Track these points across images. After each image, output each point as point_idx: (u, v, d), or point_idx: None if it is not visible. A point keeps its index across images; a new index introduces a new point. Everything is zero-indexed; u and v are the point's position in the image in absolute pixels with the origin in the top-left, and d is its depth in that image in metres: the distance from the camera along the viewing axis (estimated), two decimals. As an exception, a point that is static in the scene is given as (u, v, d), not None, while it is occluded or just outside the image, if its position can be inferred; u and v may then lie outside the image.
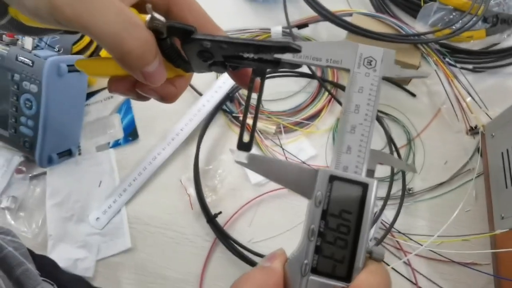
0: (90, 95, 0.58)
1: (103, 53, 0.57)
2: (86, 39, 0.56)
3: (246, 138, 0.24)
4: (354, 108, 0.23)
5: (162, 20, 0.22)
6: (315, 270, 0.21)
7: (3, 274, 0.34)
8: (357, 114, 0.23)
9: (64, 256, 0.49)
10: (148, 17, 0.21)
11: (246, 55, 0.23)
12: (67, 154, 0.54)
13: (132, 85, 0.25)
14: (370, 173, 0.22)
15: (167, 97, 0.26)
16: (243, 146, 0.23)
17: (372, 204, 0.21)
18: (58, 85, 0.49)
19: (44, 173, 0.54)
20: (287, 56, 0.23)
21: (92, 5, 0.20)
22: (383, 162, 0.24)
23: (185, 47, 0.23)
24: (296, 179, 0.22)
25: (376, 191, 0.21)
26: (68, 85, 0.50)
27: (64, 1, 0.19)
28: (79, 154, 0.56)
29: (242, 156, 0.23)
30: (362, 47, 0.24)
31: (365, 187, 0.21)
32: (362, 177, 0.22)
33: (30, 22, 0.25)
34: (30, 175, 0.54)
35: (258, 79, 0.24)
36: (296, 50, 0.22)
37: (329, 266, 0.20)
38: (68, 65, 0.49)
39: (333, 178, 0.22)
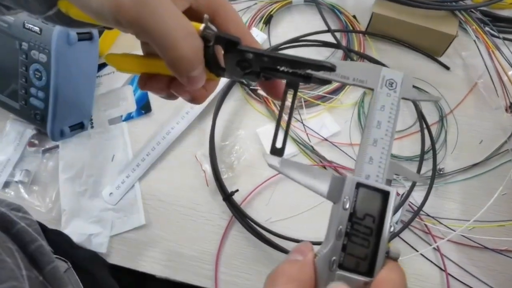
0: (101, 66, 0.56)
1: (104, 46, 0.53)
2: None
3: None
4: (376, 124, 0.25)
5: (214, 30, 0.23)
6: (341, 266, 0.23)
7: (18, 248, 0.33)
8: (379, 129, 0.25)
9: (78, 231, 0.48)
10: (202, 26, 0.23)
11: (281, 68, 0.24)
12: (79, 127, 0.52)
13: (167, 84, 0.26)
14: (388, 182, 0.25)
15: (197, 99, 0.27)
16: (276, 152, 0.25)
17: (392, 209, 0.23)
18: (68, 55, 0.46)
19: (57, 146, 0.53)
20: (319, 73, 0.25)
21: (155, 9, 0.21)
22: (399, 173, 0.27)
23: (227, 56, 0.24)
24: (324, 185, 0.24)
25: (395, 198, 0.24)
26: (79, 54, 0.48)
27: (129, 4, 0.20)
28: (92, 127, 0.54)
29: (275, 160, 0.25)
30: (385, 70, 0.27)
31: (386, 194, 0.23)
32: (384, 185, 0.24)
33: (79, 17, 0.25)
34: (42, 148, 0.53)
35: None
36: (331, 69, 0.24)
37: (353, 262, 0.23)
38: (78, 33, 0.46)
39: (359, 185, 0.24)
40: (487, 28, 0.52)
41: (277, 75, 0.25)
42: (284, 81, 0.26)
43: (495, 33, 0.52)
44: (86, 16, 0.22)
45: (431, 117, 0.51)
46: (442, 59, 0.54)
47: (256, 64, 0.24)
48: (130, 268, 0.46)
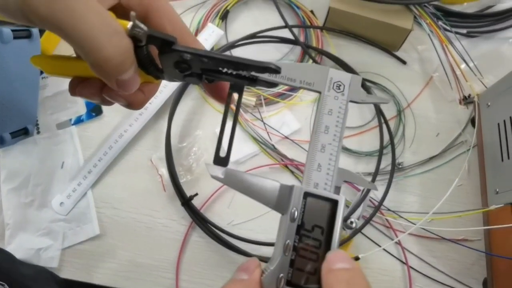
0: (46, 66, 0.52)
1: (46, 46, 0.50)
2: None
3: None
4: (324, 128, 0.25)
5: (144, 28, 0.21)
6: (289, 283, 0.21)
7: None
8: (327, 134, 0.25)
9: (24, 246, 0.44)
10: (130, 24, 0.21)
11: (224, 70, 0.23)
12: (23, 133, 0.48)
13: (99, 89, 0.24)
14: (337, 189, 0.24)
15: (134, 104, 0.25)
16: (220, 161, 0.24)
17: (341, 219, 0.23)
18: (2, 54, 0.42)
19: (-2, 155, 0.48)
20: (264, 75, 0.24)
21: (71, 5, 0.18)
22: (348, 180, 0.26)
23: (162, 57, 0.22)
24: (271, 195, 0.23)
25: (344, 207, 0.23)
26: (16, 53, 0.44)
27: None
28: (38, 132, 0.50)
29: (219, 171, 0.23)
30: (332, 72, 0.26)
31: (335, 203, 0.23)
32: (333, 194, 0.23)
33: None
34: (-18, 157, 0.49)
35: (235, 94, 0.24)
36: (275, 71, 0.22)
37: (302, 278, 0.22)
38: (13, 30, 0.42)
39: (307, 195, 0.23)
40: (440, 23, 0.53)
41: (220, 77, 0.23)
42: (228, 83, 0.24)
43: (448, 28, 0.53)
44: None
45: (389, 111, 0.51)
46: (398, 53, 0.55)
47: (196, 65, 0.23)
48: (85, 282, 0.44)
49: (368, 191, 0.45)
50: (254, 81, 0.24)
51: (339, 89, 0.26)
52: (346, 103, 0.26)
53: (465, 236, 0.45)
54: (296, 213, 0.22)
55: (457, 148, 0.50)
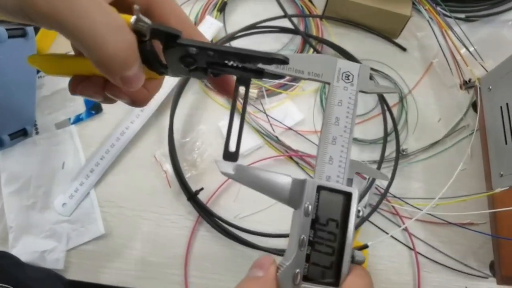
0: (42, 64, 0.51)
1: (42, 45, 0.48)
2: None
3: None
4: (335, 120, 0.24)
5: (148, 22, 0.20)
6: (305, 278, 0.21)
7: None
8: (337, 126, 0.24)
9: (29, 249, 0.43)
10: (133, 18, 0.20)
11: (230, 63, 0.22)
12: (22, 134, 0.47)
13: (101, 87, 0.23)
14: (349, 181, 0.23)
15: (138, 101, 0.24)
16: (229, 156, 0.23)
17: (355, 211, 0.22)
18: (-3, 54, 0.41)
19: (-4, 157, 0.47)
20: (271, 67, 0.23)
21: (72, 1, 0.17)
22: (360, 171, 0.25)
23: (167, 51, 0.22)
24: (284, 190, 0.22)
25: (358, 199, 0.23)
26: (11, 53, 0.43)
27: None
28: (37, 133, 0.49)
29: (229, 167, 0.23)
30: (341, 62, 0.25)
31: (349, 195, 0.22)
32: (346, 186, 0.23)
33: None
34: (-20, 160, 0.47)
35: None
36: (284, 62, 0.22)
37: (318, 273, 0.21)
38: (7, 29, 0.41)
39: (320, 188, 0.22)
40: (439, 8, 0.52)
41: (226, 70, 0.23)
42: (235, 77, 0.24)
43: (447, 13, 0.53)
44: None
45: (392, 99, 0.51)
46: (398, 40, 0.55)
47: (201, 59, 0.22)
48: (92, 283, 0.43)
49: (374, 179, 0.45)
50: (260, 74, 0.23)
51: (348, 79, 0.25)
52: (356, 93, 0.25)
53: (471, 220, 0.45)
54: (310, 207, 0.22)
55: (459, 133, 0.50)
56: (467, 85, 0.51)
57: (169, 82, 0.49)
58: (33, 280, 0.38)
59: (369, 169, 0.27)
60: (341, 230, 0.22)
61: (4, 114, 0.44)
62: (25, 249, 0.43)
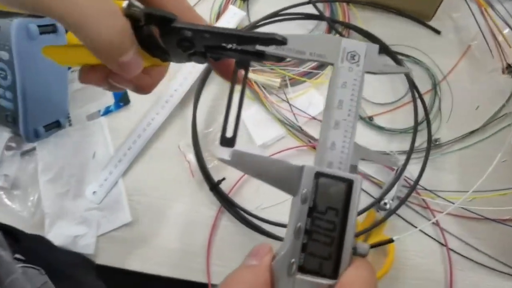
0: (74, 59, 0.53)
1: (71, 38, 0.50)
2: None
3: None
4: (338, 103, 0.23)
5: (140, 6, 0.20)
6: (302, 268, 0.20)
7: None
8: (341, 109, 0.23)
9: (62, 233, 0.46)
10: (125, 3, 0.20)
11: (228, 46, 0.22)
12: (56, 126, 0.50)
13: (105, 75, 0.24)
14: (353, 168, 0.22)
15: (142, 88, 0.25)
16: (227, 142, 0.22)
17: (357, 200, 0.21)
18: (31, 50, 0.43)
19: (34, 148, 0.50)
20: (270, 49, 0.22)
21: None
22: (365, 157, 0.24)
23: (164, 36, 0.21)
24: (281, 176, 0.22)
25: (360, 187, 0.21)
26: (44, 48, 0.45)
27: None
28: (70, 125, 0.52)
29: (225, 152, 0.22)
30: (345, 41, 0.24)
31: (350, 183, 0.21)
32: (347, 173, 0.22)
33: None
34: (20, 151, 0.51)
35: (241, 71, 0.23)
36: (281, 43, 0.21)
37: (315, 264, 0.20)
38: (39, 26, 0.43)
39: (319, 175, 0.21)
40: (478, -15, 0.48)
41: (225, 53, 0.22)
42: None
43: (487, -10, 0.49)
44: None
45: (424, 85, 0.48)
46: (432, 23, 0.51)
47: (199, 43, 0.21)
48: (119, 268, 0.45)
49: (403, 170, 0.43)
50: (261, 56, 0.22)
51: (354, 59, 0.24)
52: (362, 74, 0.23)
53: (511, 216, 0.42)
54: (307, 194, 0.21)
55: (500, 122, 0.46)
56: (510, 69, 0.47)
57: (193, 74, 0.49)
58: (65, 265, 0.40)
59: (376, 154, 0.25)
60: (341, 219, 0.21)
61: (40, 107, 0.47)
62: (59, 234, 0.46)
